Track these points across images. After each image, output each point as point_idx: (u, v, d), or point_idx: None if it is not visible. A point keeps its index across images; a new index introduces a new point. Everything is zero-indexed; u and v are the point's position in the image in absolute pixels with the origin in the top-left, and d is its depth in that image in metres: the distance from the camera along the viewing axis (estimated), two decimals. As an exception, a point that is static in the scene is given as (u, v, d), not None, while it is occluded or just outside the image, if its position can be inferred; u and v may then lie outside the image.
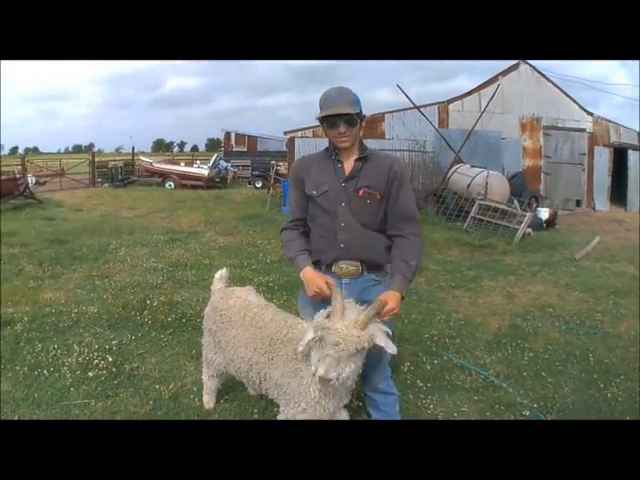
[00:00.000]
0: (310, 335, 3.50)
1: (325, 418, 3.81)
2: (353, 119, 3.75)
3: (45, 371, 5.68)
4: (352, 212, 3.89)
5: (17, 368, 5.75)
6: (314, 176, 4.00)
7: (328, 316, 3.45)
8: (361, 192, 3.88)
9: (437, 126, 23.90)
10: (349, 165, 3.93)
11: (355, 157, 3.92)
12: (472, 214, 16.96)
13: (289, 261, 4.17)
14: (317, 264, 4.06)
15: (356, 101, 3.78)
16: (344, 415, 4.11)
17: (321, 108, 3.81)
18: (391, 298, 3.63)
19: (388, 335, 3.47)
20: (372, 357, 3.95)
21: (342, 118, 3.72)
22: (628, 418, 5.15)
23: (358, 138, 3.92)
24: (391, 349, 3.47)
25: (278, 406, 4.23)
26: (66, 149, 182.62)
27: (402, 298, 3.72)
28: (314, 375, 3.41)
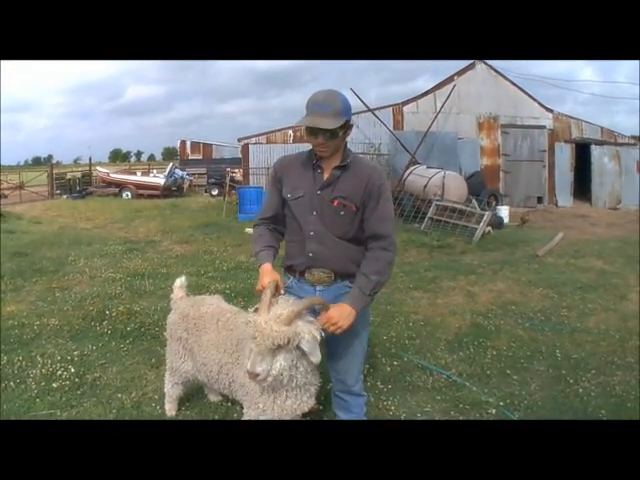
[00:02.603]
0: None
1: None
2: (334, 132, 3.57)
3: (11, 383, 5.73)
4: (323, 222, 3.77)
5: (-16, 381, 5.78)
6: (293, 179, 3.88)
7: (256, 310, 3.45)
8: (336, 202, 3.73)
9: (392, 128, 23.95)
10: (329, 172, 3.78)
11: (335, 165, 3.76)
12: (429, 215, 16.93)
13: (254, 256, 4.03)
14: (290, 269, 4.04)
15: (343, 111, 3.58)
16: None
17: (306, 110, 3.60)
18: (337, 308, 3.57)
19: (317, 340, 3.42)
20: (350, 358, 4.06)
21: (322, 130, 3.55)
22: (603, 412, 5.13)
23: (340, 146, 3.75)
24: (314, 357, 3.42)
25: (238, 412, 4.44)
26: (25, 161, 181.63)
27: (356, 313, 3.60)
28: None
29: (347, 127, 3.67)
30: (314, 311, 3.58)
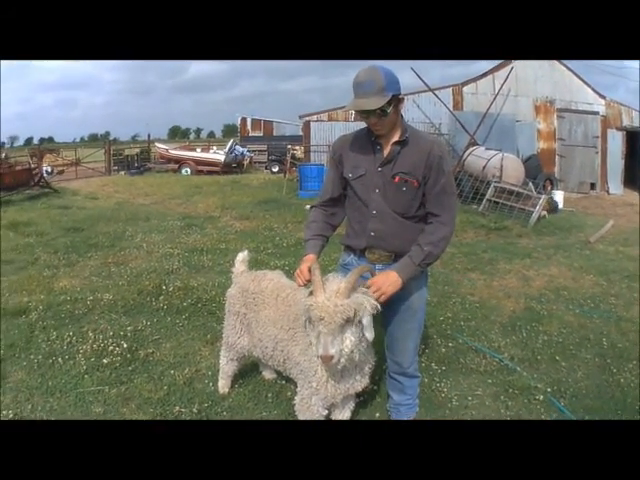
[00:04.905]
0: (302, 318, 3.56)
1: (338, 399, 3.88)
2: (383, 110, 3.49)
3: (60, 359, 5.73)
4: (386, 199, 3.76)
5: (32, 357, 5.79)
6: (352, 157, 3.84)
7: (311, 294, 3.43)
8: (397, 179, 3.70)
9: (452, 109, 23.85)
10: (388, 148, 3.74)
11: (394, 140, 3.72)
12: (487, 197, 16.89)
13: (304, 243, 4.06)
14: (350, 248, 4.06)
15: (388, 86, 3.45)
16: (350, 406, 4.22)
17: (353, 92, 3.55)
18: (382, 275, 3.62)
19: (375, 311, 3.44)
20: (406, 340, 4.09)
21: (370, 110, 3.50)
22: (640, 405, 5.08)
23: (395, 121, 3.70)
24: (369, 332, 3.42)
25: (292, 390, 4.36)
26: (82, 138, 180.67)
27: (402, 282, 3.60)
28: (317, 357, 3.40)
29: (397, 101, 3.60)
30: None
